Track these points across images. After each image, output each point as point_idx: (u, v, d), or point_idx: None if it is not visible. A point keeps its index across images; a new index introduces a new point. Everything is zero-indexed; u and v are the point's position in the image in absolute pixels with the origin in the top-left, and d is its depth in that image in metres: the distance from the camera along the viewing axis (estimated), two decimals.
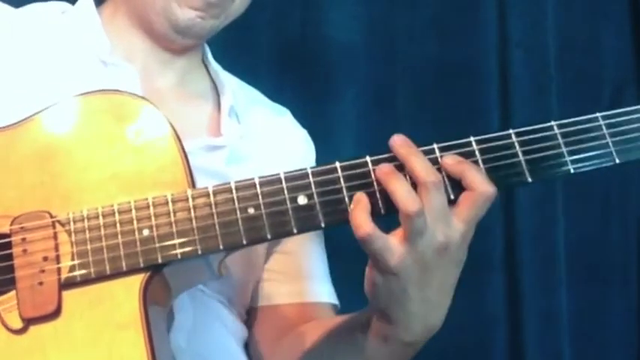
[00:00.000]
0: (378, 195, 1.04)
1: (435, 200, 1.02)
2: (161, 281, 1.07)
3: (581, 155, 1.06)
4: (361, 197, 1.04)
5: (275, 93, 1.56)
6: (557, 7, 2.07)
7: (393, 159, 1.05)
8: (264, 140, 1.43)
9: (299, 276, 1.42)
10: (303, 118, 1.55)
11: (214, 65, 1.47)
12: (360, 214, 1.02)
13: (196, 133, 1.35)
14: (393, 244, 1.02)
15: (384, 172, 1.04)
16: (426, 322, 1.10)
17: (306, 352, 1.27)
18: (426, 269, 1.04)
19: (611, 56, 2.11)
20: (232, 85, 1.47)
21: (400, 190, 1.02)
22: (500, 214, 2.04)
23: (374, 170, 1.05)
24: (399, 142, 1.05)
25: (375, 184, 1.04)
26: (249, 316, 1.43)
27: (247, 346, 1.43)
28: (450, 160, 1.04)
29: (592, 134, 1.07)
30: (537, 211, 2.05)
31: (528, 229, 2.05)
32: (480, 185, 1.02)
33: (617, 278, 2.13)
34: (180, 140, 1.10)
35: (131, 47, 1.37)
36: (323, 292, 1.43)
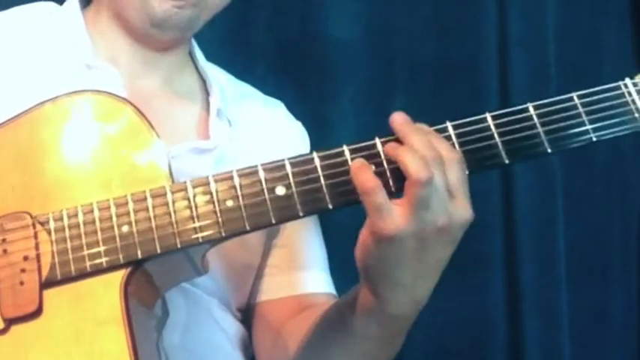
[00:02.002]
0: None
1: (439, 178, 1.01)
2: (143, 277, 1.08)
3: (558, 134, 1.07)
4: (361, 160, 1.04)
5: (273, 91, 1.55)
6: (557, 5, 2.06)
7: (369, 147, 1.05)
8: (257, 137, 1.41)
9: (294, 268, 1.41)
10: (302, 116, 1.54)
11: (202, 61, 1.44)
12: (366, 170, 1.02)
13: (184, 136, 1.34)
14: (395, 208, 1.01)
15: (392, 146, 1.03)
16: (414, 295, 1.08)
17: (302, 342, 1.26)
18: (424, 245, 1.03)
19: (612, 54, 2.09)
20: (221, 81, 1.45)
21: (411, 157, 1.01)
22: (500, 213, 2.03)
23: (352, 159, 1.04)
24: (398, 119, 1.05)
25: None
26: (247, 314, 1.42)
27: (246, 346, 1.42)
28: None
29: (568, 113, 1.07)
30: (537, 209, 2.04)
31: (528, 227, 2.04)
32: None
33: (617, 277, 2.12)
34: (158, 136, 1.10)
35: (115, 48, 1.35)
36: (319, 282, 1.41)
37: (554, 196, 2.04)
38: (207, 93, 1.41)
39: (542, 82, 2.03)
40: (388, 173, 1.04)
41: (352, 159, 1.05)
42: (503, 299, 2.04)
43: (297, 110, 1.54)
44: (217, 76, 1.45)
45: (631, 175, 2.12)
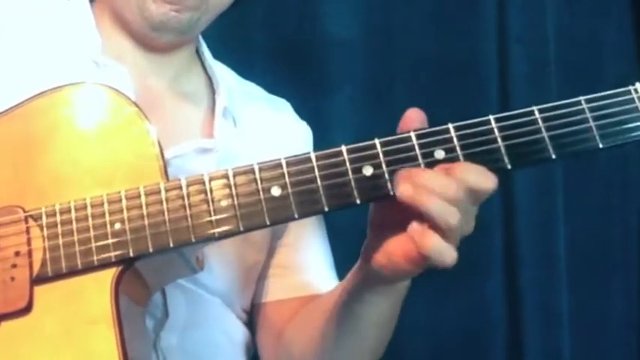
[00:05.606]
0: (352, 184, 1.02)
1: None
2: (135, 276, 1.06)
3: (564, 140, 1.02)
4: (419, 227, 0.99)
5: (271, 89, 1.54)
6: (557, 2, 2.05)
7: (368, 148, 1.03)
8: (262, 137, 1.39)
9: (300, 268, 1.39)
10: (300, 113, 1.53)
11: (210, 60, 1.42)
12: (437, 240, 0.99)
13: (189, 135, 1.32)
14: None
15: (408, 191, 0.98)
16: None
17: (308, 340, 1.26)
18: None
19: (612, 52, 2.09)
20: (228, 80, 1.43)
21: (435, 205, 0.97)
22: (500, 212, 2.02)
23: (350, 160, 1.02)
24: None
25: (350, 172, 1.02)
26: (252, 315, 1.41)
27: (248, 348, 1.41)
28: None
29: (574, 118, 1.03)
30: (537, 208, 2.04)
31: (528, 226, 2.03)
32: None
33: (617, 277, 2.12)
34: (154, 133, 1.08)
35: (121, 47, 1.33)
36: (324, 283, 1.39)
37: (554, 195, 2.04)
38: (213, 92, 1.39)
39: (542, 79, 2.02)
40: (387, 176, 1.02)
41: (350, 159, 1.02)
42: (503, 299, 2.03)
43: (295, 108, 1.53)
44: (224, 75, 1.43)
45: (631, 174, 2.11)
